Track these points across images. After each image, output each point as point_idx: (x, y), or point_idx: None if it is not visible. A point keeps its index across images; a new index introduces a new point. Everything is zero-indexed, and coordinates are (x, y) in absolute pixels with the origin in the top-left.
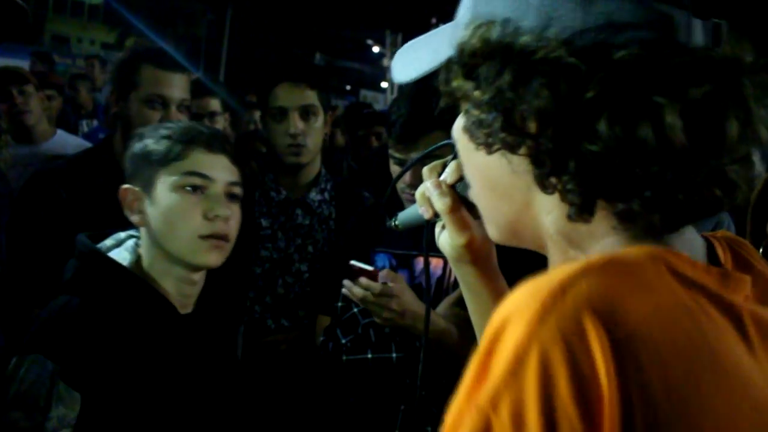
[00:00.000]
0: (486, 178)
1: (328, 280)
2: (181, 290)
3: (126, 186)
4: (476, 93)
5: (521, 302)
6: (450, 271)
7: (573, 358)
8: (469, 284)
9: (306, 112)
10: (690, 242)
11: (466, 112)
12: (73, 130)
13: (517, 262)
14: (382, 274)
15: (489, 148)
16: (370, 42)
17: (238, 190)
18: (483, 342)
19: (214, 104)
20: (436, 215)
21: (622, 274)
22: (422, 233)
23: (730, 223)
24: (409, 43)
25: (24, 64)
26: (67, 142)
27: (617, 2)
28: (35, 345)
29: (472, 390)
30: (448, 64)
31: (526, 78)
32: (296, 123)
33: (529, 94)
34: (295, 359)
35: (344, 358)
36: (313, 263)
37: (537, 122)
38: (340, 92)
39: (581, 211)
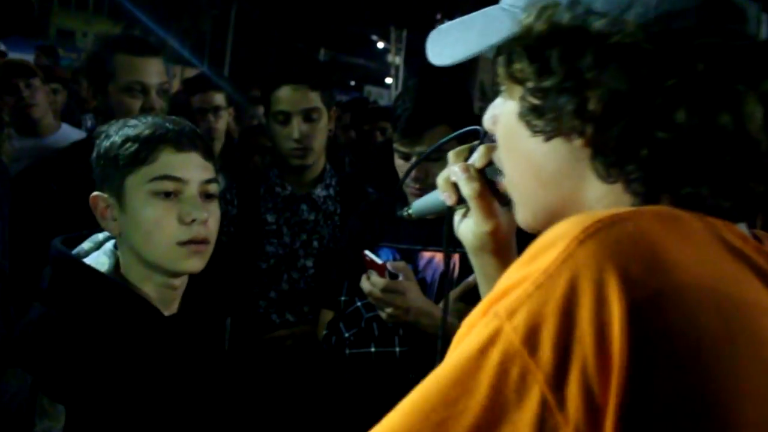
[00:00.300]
0: (532, 166)
1: (330, 275)
2: (162, 294)
3: (96, 194)
4: (541, 77)
5: (567, 227)
6: (454, 266)
7: (600, 291)
8: (487, 275)
9: (309, 116)
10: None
11: (522, 98)
12: (77, 124)
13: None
14: (392, 266)
15: (548, 135)
16: (374, 38)
17: (213, 188)
18: (518, 260)
19: (219, 99)
20: (459, 202)
21: (671, 226)
22: (428, 228)
23: None
24: (447, 24)
25: (28, 57)
26: (71, 136)
27: None
28: (13, 358)
29: (491, 301)
30: (510, 46)
31: (604, 62)
32: (299, 127)
33: (606, 77)
34: (301, 355)
35: (347, 351)
36: (318, 259)
37: (611, 107)
38: (344, 88)
39: (645, 200)
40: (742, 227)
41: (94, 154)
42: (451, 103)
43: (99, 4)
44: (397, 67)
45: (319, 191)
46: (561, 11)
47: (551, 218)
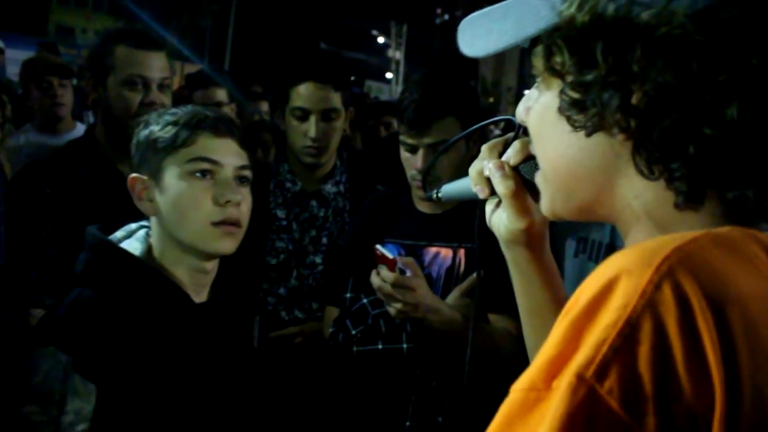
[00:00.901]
0: (571, 161)
1: (336, 271)
2: (194, 279)
3: (134, 175)
4: (584, 70)
5: (625, 267)
6: (460, 261)
7: (690, 332)
8: (519, 266)
9: (328, 115)
10: None
11: (562, 92)
12: (79, 119)
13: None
14: (402, 262)
15: (590, 130)
16: (375, 33)
17: (247, 173)
18: (573, 311)
19: (221, 95)
20: (492, 194)
21: (731, 252)
22: (433, 223)
23: None
24: (478, 13)
25: (28, 54)
26: None
27: None
28: (48, 337)
29: (557, 362)
30: (550, 37)
31: (652, 55)
32: (317, 126)
33: (653, 71)
34: (310, 351)
35: (354, 349)
36: (328, 255)
37: (658, 102)
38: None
39: (690, 199)
40: None
41: (134, 141)
42: (458, 95)
43: (98, 0)
44: (397, 62)
45: (329, 187)
46: (604, 2)
47: (584, 210)
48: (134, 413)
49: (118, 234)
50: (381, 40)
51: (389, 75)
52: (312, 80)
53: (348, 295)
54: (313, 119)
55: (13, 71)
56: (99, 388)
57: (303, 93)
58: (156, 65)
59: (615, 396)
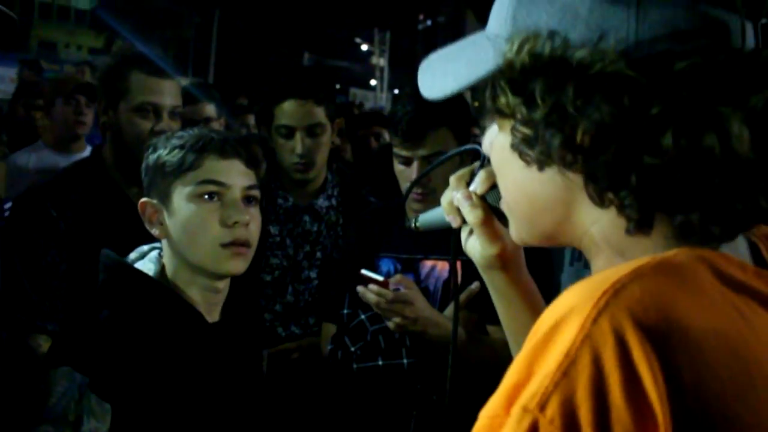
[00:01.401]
0: (526, 193)
1: (332, 288)
2: (206, 299)
3: (144, 199)
4: (528, 110)
5: (573, 303)
6: (457, 274)
7: (626, 362)
8: (498, 289)
9: (313, 131)
10: (735, 244)
11: (513, 129)
12: None
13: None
14: (394, 280)
15: (541, 165)
16: (358, 40)
17: (255, 192)
18: (531, 341)
19: (209, 110)
20: (464, 222)
21: (674, 279)
22: (429, 236)
23: None
24: (433, 56)
25: (11, 71)
26: None
27: (671, 11)
28: (64, 358)
29: (515, 390)
30: (493, 80)
31: (587, 93)
32: (303, 143)
33: (590, 109)
34: (307, 367)
35: (355, 366)
36: (323, 270)
37: (598, 138)
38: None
39: (640, 225)
40: (741, 243)
41: (143, 166)
42: (451, 106)
43: (80, 15)
44: (381, 69)
45: (322, 202)
46: (541, 43)
47: (548, 237)
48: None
49: (132, 256)
50: (364, 47)
51: (373, 82)
52: (293, 97)
53: (345, 311)
54: (298, 136)
55: None
56: (114, 409)
57: (286, 110)
58: (168, 93)
59: (556, 425)
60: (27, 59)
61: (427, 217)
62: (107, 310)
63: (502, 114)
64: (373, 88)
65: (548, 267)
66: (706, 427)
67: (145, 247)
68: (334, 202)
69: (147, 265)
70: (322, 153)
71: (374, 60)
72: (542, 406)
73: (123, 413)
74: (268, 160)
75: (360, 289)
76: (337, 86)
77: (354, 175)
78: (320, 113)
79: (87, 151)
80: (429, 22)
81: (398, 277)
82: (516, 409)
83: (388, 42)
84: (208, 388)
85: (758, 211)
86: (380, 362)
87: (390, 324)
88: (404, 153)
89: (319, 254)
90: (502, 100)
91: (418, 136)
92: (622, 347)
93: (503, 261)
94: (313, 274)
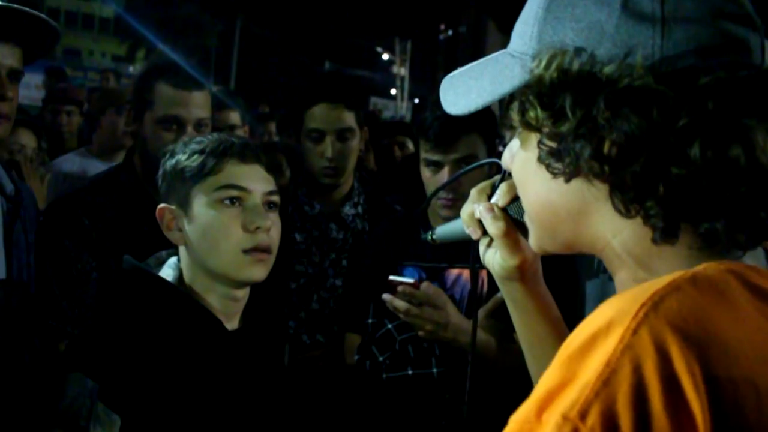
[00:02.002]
0: (550, 204)
1: (356, 297)
2: (226, 306)
3: (162, 205)
4: (555, 123)
5: (612, 316)
6: (483, 282)
7: (667, 373)
8: (516, 300)
9: (343, 135)
10: (756, 253)
11: (540, 143)
12: (88, 143)
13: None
14: (423, 287)
15: (569, 177)
16: (379, 49)
17: (276, 198)
18: (566, 351)
19: (234, 117)
20: (484, 235)
21: (708, 292)
22: (454, 246)
23: None
24: (455, 73)
25: (37, 78)
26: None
27: (694, 28)
28: (76, 362)
29: (548, 397)
30: (522, 95)
31: (616, 106)
32: (333, 147)
33: (620, 121)
34: (332, 375)
35: (384, 376)
36: (345, 279)
37: (626, 149)
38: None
39: (666, 234)
40: (760, 253)
41: (160, 172)
42: (480, 112)
43: (105, 23)
44: (402, 78)
45: (348, 209)
46: (569, 58)
47: (566, 247)
48: None
49: (150, 261)
50: (385, 56)
51: (394, 91)
52: (325, 101)
53: (370, 320)
54: (328, 140)
55: (23, 94)
56: (125, 418)
57: (317, 114)
58: (195, 105)
59: None
60: (52, 67)
61: (445, 230)
62: (123, 317)
63: (529, 127)
64: (394, 98)
65: (573, 276)
66: None
67: (164, 253)
68: (360, 210)
69: (166, 271)
70: (351, 159)
71: (395, 69)
72: (583, 415)
73: (134, 422)
74: (293, 168)
75: (387, 296)
76: None
77: (378, 184)
78: (350, 118)
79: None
80: (450, 32)
81: (426, 284)
82: (554, 417)
83: (409, 51)
84: (227, 397)
85: None
86: (410, 372)
87: (420, 332)
88: (435, 158)
89: (344, 262)
90: (531, 114)
91: (450, 140)
92: (663, 358)
93: (522, 272)
94: (338, 282)
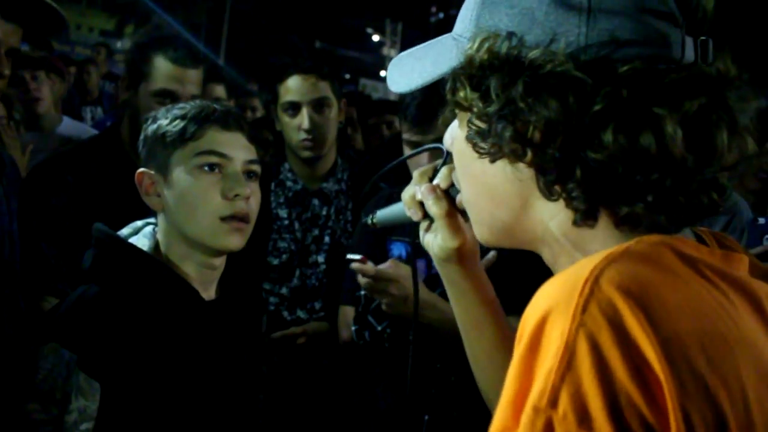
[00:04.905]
0: (484, 186)
1: (347, 271)
2: (202, 275)
3: (142, 170)
4: (483, 104)
5: (556, 296)
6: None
7: (623, 340)
8: (453, 282)
9: (320, 105)
10: (684, 234)
11: (469, 122)
12: (77, 116)
13: (510, 263)
14: (385, 266)
15: (493, 157)
16: (369, 30)
17: (256, 167)
18: (520, 346)
19: (219, 91)
20: (425, 217)
21: (643, 260)
22: None
23: (748, 211)
24: (404, 53)
25: (21, 49)
26: (77, 129)
27: (619, 20)
28: (51, 334)
29: (516, 398)
30: (454, 75)
31: (537, 90)
32: (310, 118)
33: (538, 105)
34: (315, 352)
35: (387, 344)
36: (330, 254)
37: (545, 132)
38: (340, 81)
39: (586, 216)
40: (687, 233)
41: (141, 137)
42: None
43: None
44: (392, 60)
45: (331, 185)
46: (500, 42)
47: (507, 235)
48: (140, 412)
49: (125, 231)
50: (376, 38)
51: (383, 73)
52: (297, 73)
53: (362, 293)
54: (304, 111)
55: None
56: (103, 387)
57: (291, 87)
58: (189, 82)
59: (570, 420)
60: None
61: (386, 213)
62: (97, 287)
63: (460, 107)
64: (383, 79)
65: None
66: (699, 387)
67: (139, 223)
68: (343, 186)
69: (141, 240)
70: (329, 129)
71: (385, 51)
72: (553, 403)
73: (112, 391)
74: (277, 144)
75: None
76: (347, 76)
77: (365, 162)
78: (325, 87)
79: (64, 124)
80: (441, 15)
81: (389, 262)
82: (527, 412)
83: (400, 33)
84: (203, 366)
85: (703, 206)
86: (411, 337)
87: (383, 306)
88: (414, 138)
89: (327, 239)
90: (461, 93)
91: (427, 120)
92: (617, 327)
93: (461, 255)
94: (321, 259)
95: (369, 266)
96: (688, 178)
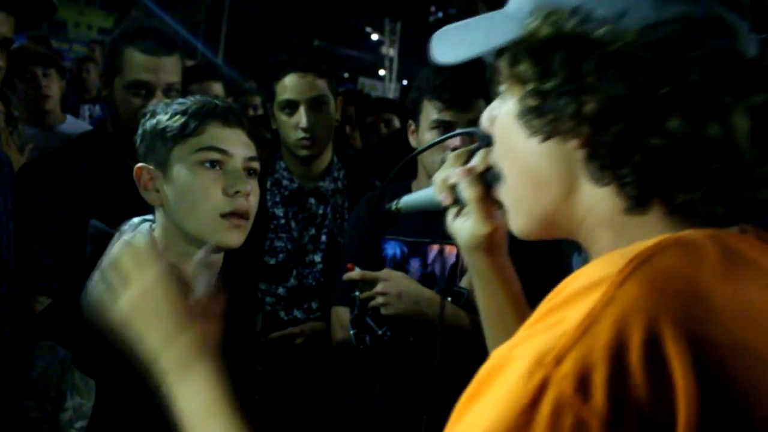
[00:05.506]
0: (528, 168)
1: (341, 271)
2: None
3: (140, 165)
4: (544, 79)
5: (600, 272)
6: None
7: (649, 328)
8: (480, 271)
9: (317, 104)
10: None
11: (522, 99)
12: (74, 113)
13: (528, 255)
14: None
15: (545, 136)
16: (368, 29)
17: (256, 165)
18: (551, 302)
19: (217, 88)
20: (455, 203)
21: (693, 254)
22: (436, 220)
23: None
24: (451, 26)
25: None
26: (80, 128)
27: (689, 4)
28: (47, 332)
29: (528, 334)
30: (515, 48)
31: (604, 68)
32: (307, 116)
33: (605, 83)
34: (313, 352)
35: (388, 347)
36: (327, 253)
37: (608, 111)
38: (338, 79)
39: (638, 203)
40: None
41: (140, 131)
42: (484, 79)
43: None
44: (391, 59)
45: (327, 184)
46: (564, 17)
47: (544, 225)
48: (135, 410)
49: (122, 228)
50: (375, 37)
51: (382, 72)
52: (294, 71)
53: (357, 293)
54: (302, 109)
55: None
56: (98, 385)
57: (287, 85)
58: (163, 70)
59: (569, 380)
60: (36, 34)
61: (412, 198)
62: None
63: (517, 80)
64: (382, 78)
65: (556, 255)
66: (732, 398)
67: (136, 220)
68: (339, 185)
69: (138, 237)
70: (326, 128)
71: (384, 50)
72: (558, 361)
73: (108, 389)
74: (274, 143)
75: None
76: (346, 75)
77: (362, 160)
78: (323, 86)
79: (68, 122)
80: (440, 14)
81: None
82: (528, 359)
83: (399, 32)
84: None
85: (760, 202)
86: (412, 338)
87: (381, 308)
88: (448, 118)
89: (324, 238)
90: (522, 66)
91: (467, 99)
92: (647, 314)
93: (491, 243)
94: (317, 258)
95: (355, 272)
96: (750, 171)
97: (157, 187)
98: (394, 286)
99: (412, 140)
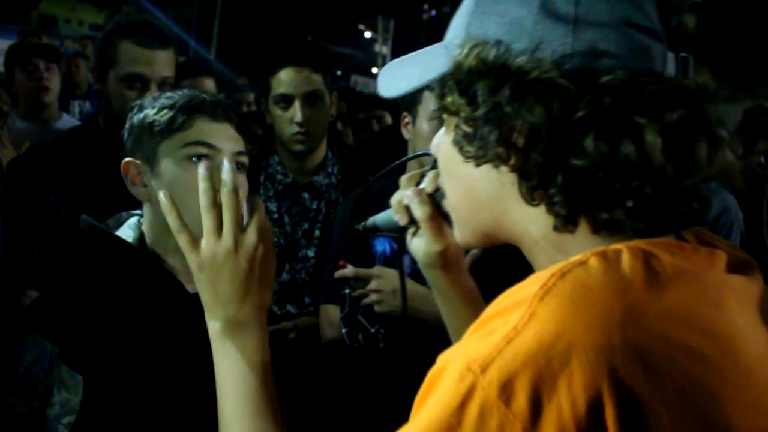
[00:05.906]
0: (467, 189)
1: (330, 268)
2: (187, 267)
3: (128, 159)
4: (470, 108)
5: (532, 284)
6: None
7: (567, 338)
8: (439, 287)
9: (313, 98)
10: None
11: (456, 126)
12: (64, 109)
13: (497, 263)
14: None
15: (478, 161)
16: (361, 27)
17: (244, 159)
18: (486, 314)
19: (209, 84)
20: (411, 223)
21: (614, 265)
22: None
23: (737, 210)
24: (396, 60)
25: (11, 43)
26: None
27: (604, 32)
28: (33, 326)
29: (469, 341)
30: (443, 80)
31: (522, 95)
32: (302, 111)
33: (524, 110)
34: (304, 346)
35: (381, 345)
36: (321, 248)
37: (529, 137)
38: (332, 74)
39: (566, 221)
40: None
41: (127, 125)
42: None
43: None
44: (384, 57)
45: (321, 179)
46: (488, 49)
47: (488, 238)
48: (123, 405)
49: (110, 222)
50: (368, 34)
51: (375, 70)
52: (290, 65)
53: (347, 291)
54: (297, 104)
55: None
56: (86, 380)
57: (283, 79)
58: (158, 64)
59: (493, 386)
60: (26, 30)
61: (376, 219)
62: (82, 278)
63: (448, 111)
64: (375, 76)
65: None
66: (650, 398)
67: (124, 214)
68: (333, 180)
69: (125, 232)
70: (321, 123)
71: (377, 48)
72: (484, 369)
73: (95, 385)
74: (265, 138)
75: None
76: (339, 72)
77: (354, 156)
78: (318, 80)
79: (64, 120)
80: (433, 12)
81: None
82: (460, 368)
83: (392, 30)
84: (187, 359)
85: (684, 215)
86: (404, 336)
87: (375, 307)
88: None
89: (317, 233)
90: (449, 98)
91: None
92: (564, 325)
93: (445, 260)
94: (311, 253)
95: (348, 269)
96: (668, 186)
97: (144, 182)
98: (388, 282)
99: (406, 132)
